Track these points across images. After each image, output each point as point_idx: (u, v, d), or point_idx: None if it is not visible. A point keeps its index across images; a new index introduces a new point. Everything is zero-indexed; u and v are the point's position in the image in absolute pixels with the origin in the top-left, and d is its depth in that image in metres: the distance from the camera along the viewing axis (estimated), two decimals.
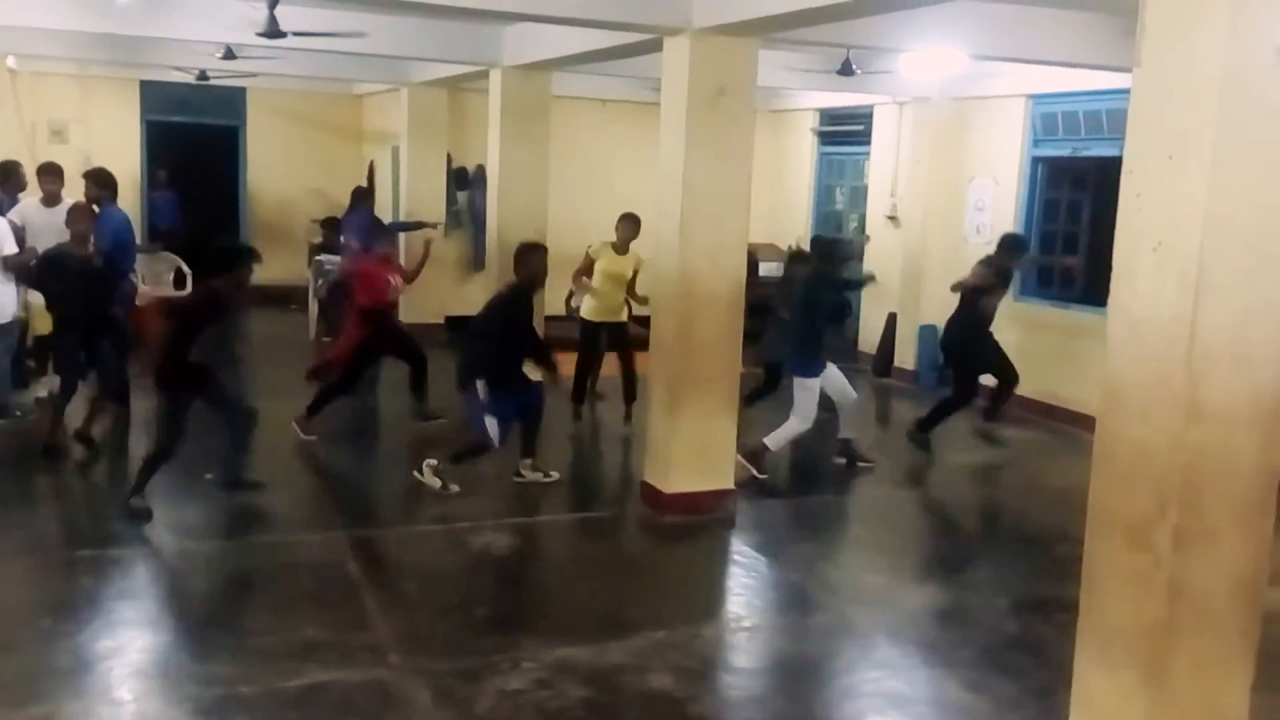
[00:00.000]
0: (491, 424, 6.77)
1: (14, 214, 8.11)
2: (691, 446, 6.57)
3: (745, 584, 6.00)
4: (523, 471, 7.19)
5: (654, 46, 6.72)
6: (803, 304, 7.59)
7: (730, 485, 6.69)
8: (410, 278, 8.59)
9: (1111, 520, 3.50)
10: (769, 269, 12.95)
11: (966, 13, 6.77)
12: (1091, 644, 3.61)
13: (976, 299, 8.15)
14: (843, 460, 7.89)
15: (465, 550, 6.14)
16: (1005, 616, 5.44)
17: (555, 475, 7.25)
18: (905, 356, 11.11)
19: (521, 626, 5.06)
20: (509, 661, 4.56)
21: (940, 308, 10.52)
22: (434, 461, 6.89)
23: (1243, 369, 3.26)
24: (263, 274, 6.86)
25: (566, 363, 8.96)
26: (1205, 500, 3.31)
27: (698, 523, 6.48)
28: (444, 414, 8.24)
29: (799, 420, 7.47)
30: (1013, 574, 6.16)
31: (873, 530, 7.18)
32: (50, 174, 8.18)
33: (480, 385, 6.76)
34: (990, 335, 8.28)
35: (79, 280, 7.00)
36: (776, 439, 7.46)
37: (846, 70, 8.84)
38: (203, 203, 14.41)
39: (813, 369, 7.52)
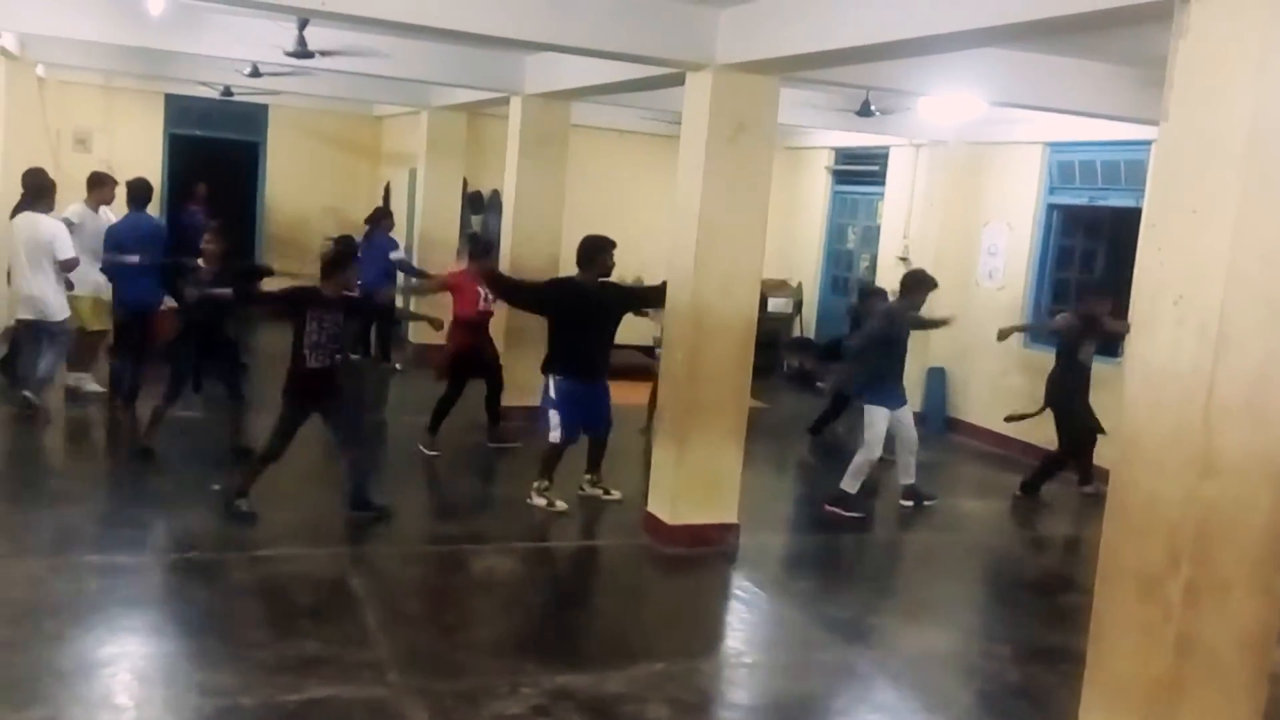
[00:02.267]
0: (554, 418, 6.96)
1: (72, 215, 8.65)
2: (697, 478, 6.56)
3: (745, 619, 5.98)
4: (584, 486, 7.34)
5: (674, 80, 6.78)
6: (884, 334, 7.63)
7: (734, 519, 6.68)
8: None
9: (1122, 571, 3.49)
10: (777, 305, 13.03)
11: (988, 59, 6.81)
12: (1097, 695, 3.60)
13: (1075, 349, 8.15)
14: (909, 503, 7.89)
15: (468, 572, 6.13)
16: (1007, 664, 5.40)
17: (617, 494, 7.35)
18: (914, 399, 11.07)
19: (522, 651, 5.03)
20: (508, 686, 4.54)
21: (949, 351, 10.59)
22: (542, 483, 7.07)
23: (1259, 424, 3.27)
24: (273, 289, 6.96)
25: (639, 391, 9.12)
26: (1217, 555, 3.31)
27: (701, 555, 6.47)
28: (518, 438, 8.35)
29: (868, 450, 7.53)
30: (1016, 621, 6.14)
31: (875, 571, 7.16)
32: (104, 183, 8.79)
33: (551, 379, 6.97)
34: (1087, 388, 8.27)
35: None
36: (851, 479, 7.53)
37: (865, 111, 8.91)
38: (221, 217, 14.45)
39: (887, 400, 7.58)
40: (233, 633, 4.91)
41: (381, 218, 12.01)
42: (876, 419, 7.57)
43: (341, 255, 6.49)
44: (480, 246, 8.94)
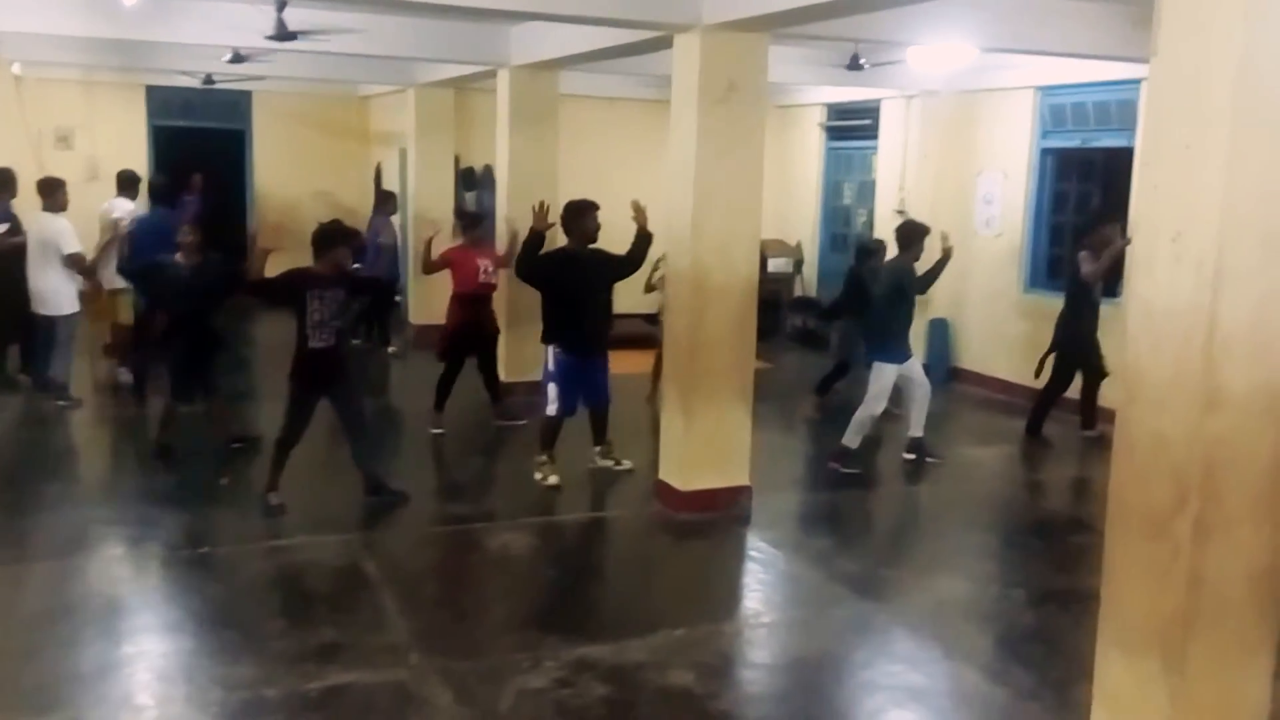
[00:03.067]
0: (552, 390, 6.98)
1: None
2: (706, 443, 6.58)
3: (762, 580, 6.01)
4: (595, 459, 7.40)
5: (661, 44, 6.73)
6: (889, 291, 7.62)
7: (746, 482, 6.69)
8: (504, 262, 8.50)
9: (1131, 511, 3.50)
10: (778, 265, 12.99)
11: (975, 5, 6.77)
12: (1112, 634, 3.61)
13: (1089, 289, 8.17)
14: (912, 456, 7.91)
15: (482, 550, 6.16)
16: (1022, 608, 5.44)
17: (629, 464, 7.37)
18: (917, 351, 11.07)
19: (541, 625, 5.06)
20: (530, 660, 4.58)
21: (950, 301, 10.57)
22: (540, 457, 7.08)
23: (1260, 358, 3.26)
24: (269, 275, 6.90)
25: (643, 361, 9.18)
26: (1224, 490, 3.31)
27: (713, 520, 6.49)
28: (523, 414, 8.34)
29: (870, 405, 7.56)
30: (1028, 565, 6.17)
31: (887, 525, 7.20)
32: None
33: (550, 350, 6.97)
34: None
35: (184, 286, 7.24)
36: (853, 434, 7.57)
37: (855, 65, 8.86)
38: (210, 206, 14.38)
39: (895, 356, 7.59)
40: (251, 625, 4.94)
41: (382, 201, 11.93)
42: (883, 375, 7.56)
43: (330, 233, 6.42)
44: (469, 219, 8.89)
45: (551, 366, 7.04)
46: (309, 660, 4.53)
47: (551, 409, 7.07)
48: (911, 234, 7.71)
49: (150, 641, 4.82)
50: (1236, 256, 3.16)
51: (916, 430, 7.90)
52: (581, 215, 6.96)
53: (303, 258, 6.42)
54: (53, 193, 8.69)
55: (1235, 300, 3.18)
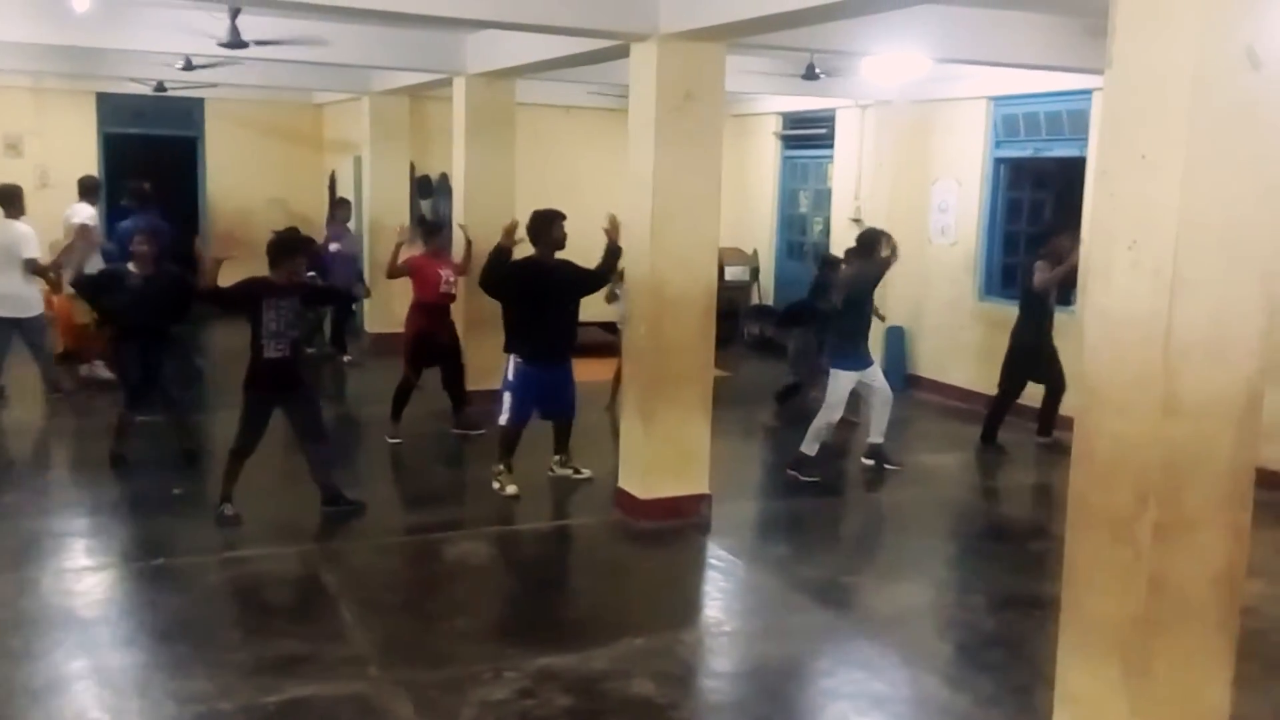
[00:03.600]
0: (506, 400, 6.96)
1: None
2: (666, 451, 6.57)
3: (723, 588, 6.01)
4: (553, 467, 7.38)
5: (618, 53, 6.73)
6: (850, 299, 7.63)
7: (705, 490, 6.69)
8: (463, 270, 8.48)
9: (1092, 515, 3.53)
10: (734, 273, 13.03)
11: (930, 16, 6.82)
12: (1073, 639, 3.65)
13: (1046, 298, 8.26)
14: (870, 462, 7.94)
15: (442, 560, 6.11)
16: (982, 614, 5.48)
17: (587, 473, 7.34)
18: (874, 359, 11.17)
19: (502, 635, 5.04)
20: (491, 671, 4.53)
21: (905, 308, 10.66)
22: (496, 467, 7.04)
23: (1218, 363, 3.31)
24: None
25: (603, 369, 9.16)
26: (1184, 493, 3.36)
27: (674, 527, 6.48)
28: (483, 424, 8.23)
29: (828, 412, 7.58)
30: (988, 571, 6.21)
31: (847, 532, 7.22)
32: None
33: (511, 359, 6.96)
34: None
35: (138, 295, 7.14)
36: (810, 441, 7.57)
37: (810, 75, 8.91)
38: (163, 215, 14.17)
39: (851, 363, 7.61)
40: (207, 637, 4.85)
41: (336, 208, 11.81)
42: (840, 382, 7.60)
43: (285, 242, 6.36)
44: (430, 228, 8.84)
45: (510, 375, 6.99)
46: (266, 673, 4.46)
47: (503, 419, 7.03)
48: (873, 240, 7.76)
49: (104, 655, 4.70)
50: (1193, 263, 3.21)
51: (876, 437, 7.94)
52: (549, 224, 6.93)
53: (257, 267, 6.34)
54: (12, 200, 8.92)
55: (1192, 306, 3.23)
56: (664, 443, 6.55)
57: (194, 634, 4.87)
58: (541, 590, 5.89)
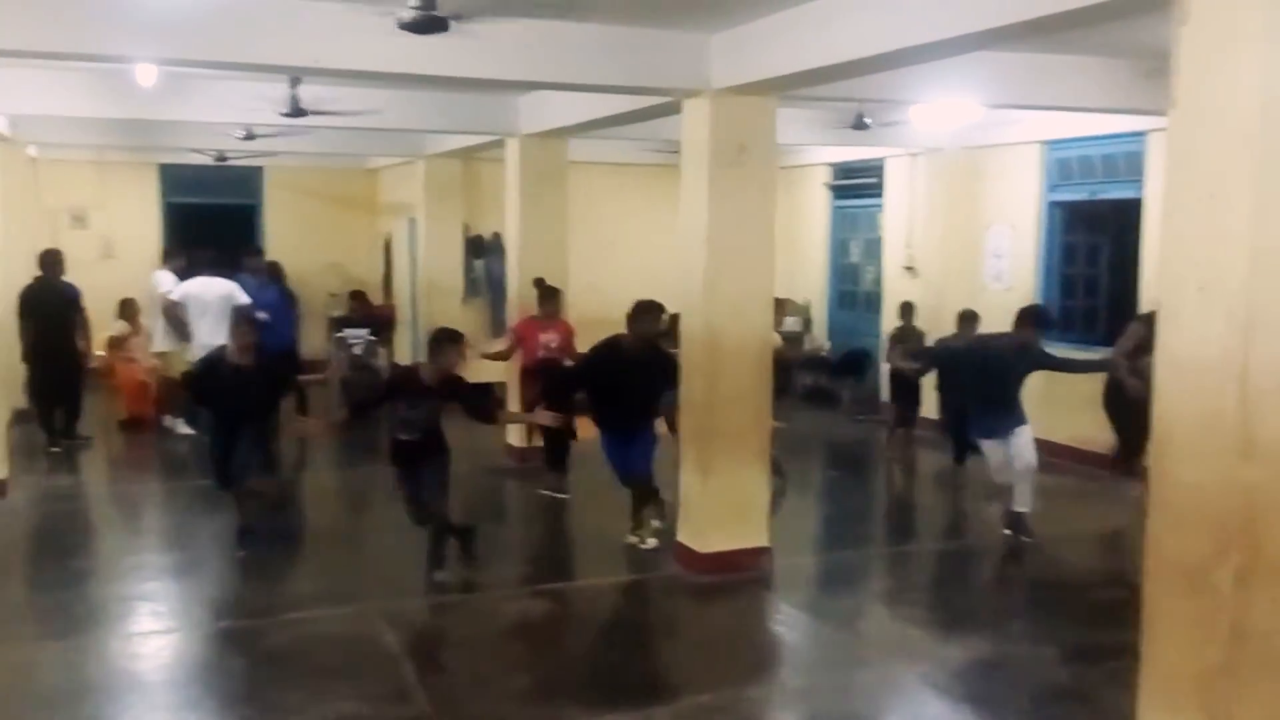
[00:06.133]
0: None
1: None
2: (724, 505, 6.51)
3: (788, 643, 5.91)
4: (627, 534, 7.20)
5: (669, 109, 6.79)
6: (1003, 368, 7.42)
7: (765, 543, 6.61)
8: (567, 348, 8.52)
9: (1170, 564, 3.44)
10: (788, 323, 12.97)
11: (980, 62, 6.79)
12: (1154, 689, 3.53)
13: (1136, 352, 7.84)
14: (1009, 532, 7.48)
15: (501, 618, 6.07)
16: (1053, 666, 5.33)
17: (653, 543, 7.10)
18: (928, 407, 11.04)
19: (563, 694, 4.98)
20: None
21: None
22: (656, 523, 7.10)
23: None
24: None
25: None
26: (1264, 539, 3.25)
27: (734, 581, 6.40)
28: (569, 489, 8.22)
29: (994, 475, 7.51)
30: (1057, 621, 6.06)
31: (909, 583, 7.08)
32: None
33: None
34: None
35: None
36: (1025, 498, 7.35)
37: (859, 124, 8.93)
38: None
39: (993, 431, 7.43)
40: (271, 699, 4.85)
41: (246, 256, 11.58)
42: (985, 450, 7.51)
43: (441, 338, 6.45)
44: (547, 291, 8.76)
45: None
46: None
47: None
48: (1044, 320, 7.65)
49: (170, 718, 4.73)
50: (1266, 303, 3.13)
51: (1020, 505, 7.43)
52: (644, 315, 7.03)
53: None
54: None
55: (1267, 347, 3.15)
56: (722, 495, 6.50)
57: (258, 696, 4.88)
58: (602, 648, 5.83)
